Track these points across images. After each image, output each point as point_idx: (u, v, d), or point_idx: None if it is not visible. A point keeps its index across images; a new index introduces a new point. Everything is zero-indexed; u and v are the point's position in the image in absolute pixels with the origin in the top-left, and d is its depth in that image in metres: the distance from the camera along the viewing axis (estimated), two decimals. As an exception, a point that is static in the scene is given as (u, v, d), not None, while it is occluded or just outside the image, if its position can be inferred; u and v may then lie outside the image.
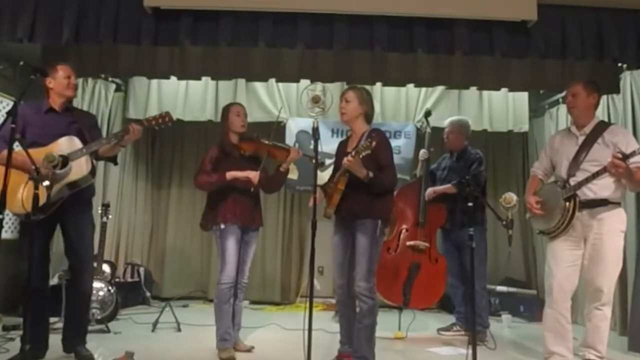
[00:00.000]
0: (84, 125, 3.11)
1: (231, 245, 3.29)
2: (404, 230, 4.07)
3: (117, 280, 4.91)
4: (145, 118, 3.14)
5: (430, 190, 4.09)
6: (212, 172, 3.36)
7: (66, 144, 2.97)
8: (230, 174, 3.30)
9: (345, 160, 2.88)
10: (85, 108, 4.73)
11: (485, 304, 4.02)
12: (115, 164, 3.46)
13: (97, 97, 5.10)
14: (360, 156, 2.82)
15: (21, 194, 2.85)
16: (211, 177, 3.35)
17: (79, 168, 2.95)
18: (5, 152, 2.74)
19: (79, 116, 3.20)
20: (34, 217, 2.63)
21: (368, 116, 3.17)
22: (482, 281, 3.96)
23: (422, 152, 4.24)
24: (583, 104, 3.12)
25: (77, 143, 2.97)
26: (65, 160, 2.93)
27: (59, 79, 3.10)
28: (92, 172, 3.02)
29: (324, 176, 3.97)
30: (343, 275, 3.13)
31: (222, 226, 3.30)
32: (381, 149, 2.97)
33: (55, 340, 3.13)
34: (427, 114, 4.34)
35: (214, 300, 3.41)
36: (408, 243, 4.00)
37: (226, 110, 3.49)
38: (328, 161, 3.99)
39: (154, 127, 3.10)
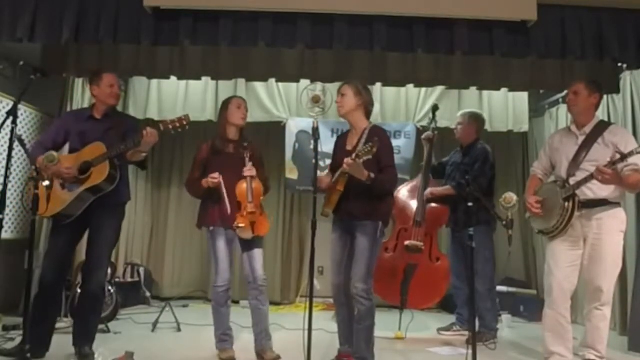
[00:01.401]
0: (120, 131, 3.13)
1: (221, 246, 3.24)
2: (402, 231, 4.05)
3: (117, 280, 4.91)
4: (161, 121, 3.07)
5: (427, 191, 4.04)
6: (199, 181, 3.28)
7: (93, 150, 3.01)
8: (204, 181, 3.23)
9: (345, 163, 2.82)
10: (86, 108, 4.74)
11: (490, 306, 3.89)
12: (143, 169, 3.47)
13: (97, 97, 5.09)
14: (361, 160, 2.77)
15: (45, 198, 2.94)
16: (195, 188, 3.31)
17: (99, 173, 2.97)
18: (40, 158, 2.88)
19: (117, 121, 3.22)
20: (33, 216, 2.64)
21: (367, 110, 3.11)
22: (487, 283, 3.86)
23: (427, 133, 4.19)
24: (584, 104, 3.12)
25: (102, 149, 2.99)
26: (88, 166, 2.97)
27: (102, 88, 3.15)
28: (111, 177, 3.00)
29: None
30: (339, 274, 3.10)
31: (211, 228, 3.27)
32: (383, 149, 2.93)
33: (55, 341, 3.12)
34: (435, 108, 4.28)
35: (211, 303, 3.37)
36: (404, 243, 3.98)
37: (226, 102, 3.38)
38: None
39: (171, 131, 3.02)
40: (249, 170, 3.18)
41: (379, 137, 2.90)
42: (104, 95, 3.16)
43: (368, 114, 3.13)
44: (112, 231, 3.18)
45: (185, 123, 3.02)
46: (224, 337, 3.28)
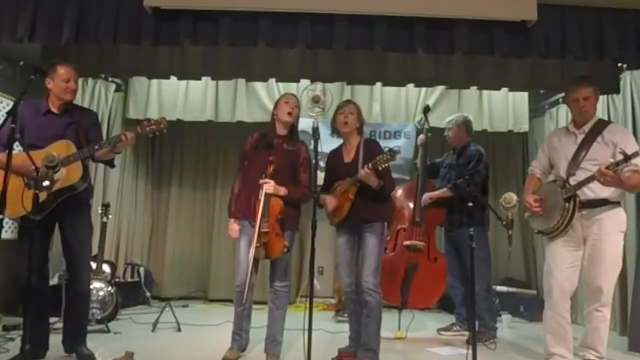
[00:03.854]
0: (82, 126, 3.07)
1: (243, 245, 3.14)
2: (401, 230, 4.06)
3: (117, 280, 4.90)
4: (139, 124, 3.02)
5: (425, 196, 4.03)
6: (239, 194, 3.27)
7: (60, 148, 2.92)
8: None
9: (362, 172, 3.00)
10: (85, 108, 4.72)
11: (487, 306, 3.90)
12: (112, 166, 3.42)
13: (97, 97, 5.10)
14: (381, 167, 2.95)
15: (20, 197, 2.80)
16: (231, 209, 3.31)
17: (70, 173, 2.90)
18: (2, 155, 2.74)
19: (78, 116, 3.13)
20: (34, 217, 2.62)
21: (360, 130, 3.33)
22: (484, 282, 3.86)
23: (421, 137, 4.21)
24: (594, 107, 3.13)
25: (71, 147, 2.93)
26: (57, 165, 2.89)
27: (57, 81, 3.02)
28: (84, 177, 2.97)
29: (324, 176, 3.97)
30: (351, 273, 3.20)
31: (239, 226, 3.22)
32: None
33: (55, 340, 3.13)
34: (426, 109, 4.29)
35: None
36: (405, 243, 3.99)
37: (278, 99, 3.39)
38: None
39: (148, 134, 3.00)
40: (266, 184, 3.04)
41: (376, 148, 3.15)
42: (59, 89, 3.03)
43: (360, 132, 3.34)
44: (87, 229, 3.17)
45: (162, 126, 2.99)
46: (235, 336, 3.22)
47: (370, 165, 2.98)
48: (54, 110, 3.08)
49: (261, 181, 3.05)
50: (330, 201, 3.19)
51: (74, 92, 3.11)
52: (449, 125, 4.17)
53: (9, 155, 2.58)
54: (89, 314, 3.29)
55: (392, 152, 2.94)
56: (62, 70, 3.03)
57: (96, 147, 2.93)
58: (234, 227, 3.28)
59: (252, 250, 2.99)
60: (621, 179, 2.84)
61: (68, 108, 3.13)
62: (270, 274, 3.21)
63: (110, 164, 3.27)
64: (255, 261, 3.09)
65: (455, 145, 4.15)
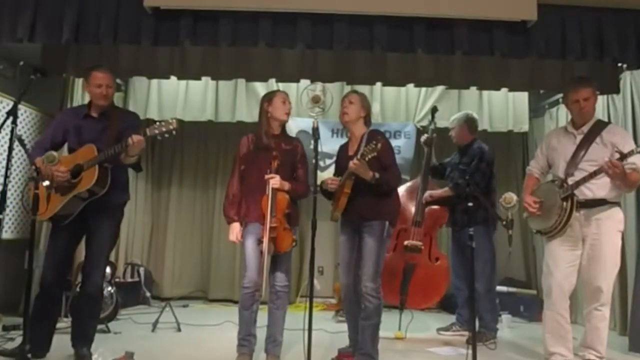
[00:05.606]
0: (116, 130, 3.05)
1: (250, 245, 3.06)
2: (402, 231, 4.06)
3: (117, 280, 4.90)
4: (147, 126, 2.95)
5: (427, 194, 4.03)
6: (236, 203, 3.18)
7: (85, 153, 2.96)
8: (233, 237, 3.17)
9: (351, 163, 2.92)
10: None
11: (489, 306, 3.88)
12: (137, 170, 3.36)
13: (97, 97, 5.09)
14: (367, 159, 2.87)
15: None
16: (230, 214, 3.18)
17: (88, 178, 2.92)
18: (39, 159, 2.83)
19: (116, 119, 3.12)
20: (34, 217, 2.64)
21: (367, 120, 3.26)
22: (487, 283, 3.85)
23: (423, 136, 4.20)
24: (593, 107, 3.13)
25: (93, 152, 2.94)
26: (79, 170, 2.92)
27: (91, 87, 3.08)
28: (100, 181, 2.93)
29: (324, 176, 3.98)
30: (349, 274, 3.17)
31: (245, 225, 3.15)
32: (384, 149, 2.99)
33: (55, 341, 3.12)
34: (434, 110, 4.29)
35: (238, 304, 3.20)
36: (404, 243, 3.99)
37: (270, 97, 3.24)
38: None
39: (157, 136, 2.91)
40: (272, 179, 3.01)
41: (382, 137, 3.02)
42: (93, 95, 3.09)
43: (368, 123, 3.27)
44: (110, 232, 3.13)
45: (172, 128, 2.89)
46: (243, 342, 3.08)
47: (359, 156, 2.91)
48: (93, 114, 3.12)
49: (267, 176, 3.03)
50: (332, 180, 3.16)
51: (106, 97, 3.10)
52: (453, 125, 4.16)
53: (9, 157, 2.61)
54: (96, 317, 3.22)
55: (376, 141, 2.87)
56: (94, 76, 3.07)
57: (111, 151, 2.92)
58: (235, 230, 3.17)
59: (265, 246, 2.94)
60: (625, 173, 2.85)
61: (106, 112, 3.14)
62: (271, 272, 3.11)
63: (135, 167, 3.21)
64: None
65: (460, 143, 4.13)
